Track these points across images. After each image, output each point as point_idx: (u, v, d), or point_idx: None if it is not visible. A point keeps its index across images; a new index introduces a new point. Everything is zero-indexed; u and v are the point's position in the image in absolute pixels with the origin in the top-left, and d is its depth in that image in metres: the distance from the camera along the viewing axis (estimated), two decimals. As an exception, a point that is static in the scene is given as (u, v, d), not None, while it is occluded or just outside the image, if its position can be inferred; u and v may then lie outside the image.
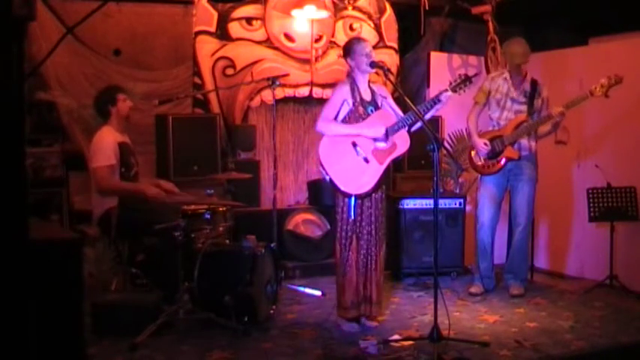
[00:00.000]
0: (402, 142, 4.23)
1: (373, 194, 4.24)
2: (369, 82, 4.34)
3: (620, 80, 4.84)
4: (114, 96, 4.65)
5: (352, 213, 4.17)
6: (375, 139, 4.20)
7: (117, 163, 4.55)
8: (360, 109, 4.21)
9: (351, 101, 4.21)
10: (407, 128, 4.23)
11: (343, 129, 4.17)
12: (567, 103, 4.94)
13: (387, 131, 4.19)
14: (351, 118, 4.22)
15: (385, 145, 4.20)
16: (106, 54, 5.54)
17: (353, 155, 4.16)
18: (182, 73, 5.80)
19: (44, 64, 5.00)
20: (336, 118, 4.23)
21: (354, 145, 4.18)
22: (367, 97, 4.27)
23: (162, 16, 5.75)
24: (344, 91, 4.25)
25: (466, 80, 4.19)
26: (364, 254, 4.24)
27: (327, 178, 4.17)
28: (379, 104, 4.29)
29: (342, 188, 4.15)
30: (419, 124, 4.25)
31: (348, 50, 4.31)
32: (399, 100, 4.56)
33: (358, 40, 4.41)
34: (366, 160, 4.17)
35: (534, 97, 5.14)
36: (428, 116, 4.20)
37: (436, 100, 4.20)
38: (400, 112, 4.34)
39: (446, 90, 4.18)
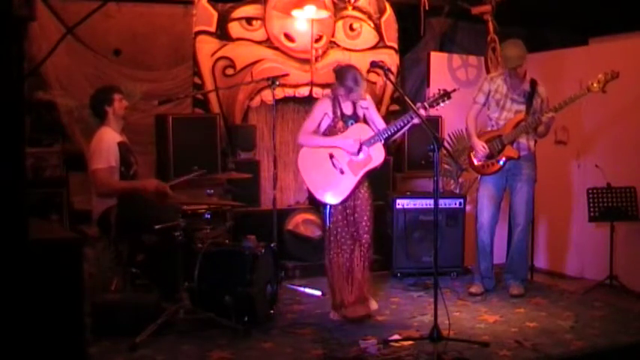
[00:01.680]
0: (377, 155, 4.36)
1: (352, 201, 4.35)
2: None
3: (617, 75, 4.83)
4: (110, 96, 4.62)
5: (328, 220, 4.36)
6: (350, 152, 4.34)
7: (116, 164, 4.53)
8: (340, 123, 4.36)
9: (331, 115, 4.36)
10: (383, 141, 4.35)
11: (321, 141, 4.35)
12: (565, 100, 4.93)
13: (361, 145, 4.31)
14: (331, 131, 4.38)
15: (361, 157, 4.31)
16: (106, 54, 5.54)
17: (329, 167, 4.33)
18: (182, 73, 5.80)
19: (44, 64, 5.00)
20: (317, 130, 4.38)
21: (331, 157, 4.36)
22: (348, 111, 4.41)
23: (162, 16, 5.74)
24: (325, 104, 4.41)
25: (444, 96, 4.28)
26: (347, 258, 4.36)
27: (306, 187, 4.37)
28: (360, 116, 4.41)
29: (318, 198, 4.33)
30: (405, 129, 4.37)
31: (344, 81, 4.35)
32: (398, 100, 4.58)
33: (357, 79, 4.35)
34: (342, 172, 4.33)
35: (533, 97, 5.13)
36: (400, 134, 4.44)
37: (410, 118, 4.27)
38: (381, 124, 4.43)
39: (423, 106, 4.24)
